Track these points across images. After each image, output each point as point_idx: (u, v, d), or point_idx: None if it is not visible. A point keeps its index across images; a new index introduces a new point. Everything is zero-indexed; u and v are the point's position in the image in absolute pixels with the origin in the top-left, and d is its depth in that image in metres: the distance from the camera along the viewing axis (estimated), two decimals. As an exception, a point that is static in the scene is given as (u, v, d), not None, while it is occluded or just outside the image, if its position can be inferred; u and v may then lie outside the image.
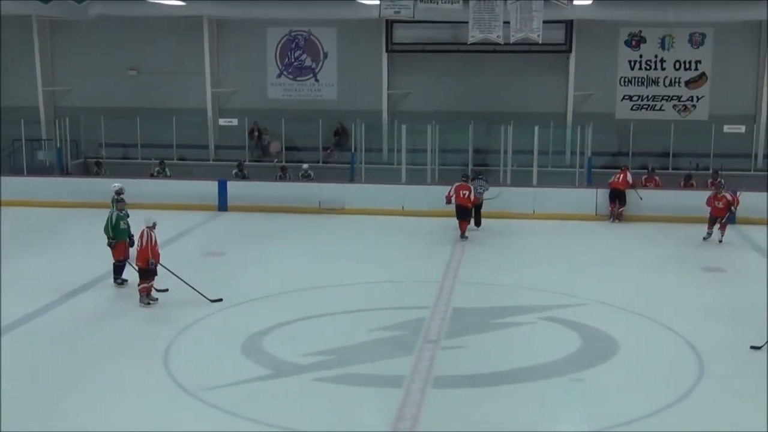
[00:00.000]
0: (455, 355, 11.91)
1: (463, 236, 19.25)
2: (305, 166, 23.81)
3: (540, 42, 19.31)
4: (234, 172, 23.83)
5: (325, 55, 26.81)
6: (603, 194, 21.81)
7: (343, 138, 26.14)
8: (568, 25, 24.73)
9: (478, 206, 20.15)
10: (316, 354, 11.81)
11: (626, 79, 25.71)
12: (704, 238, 19.08)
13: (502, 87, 25.72)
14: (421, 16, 19.53)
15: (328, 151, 26.13)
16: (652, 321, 13.36)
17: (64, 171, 25.69)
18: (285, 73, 27.01)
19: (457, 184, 19.50)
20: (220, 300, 14.06)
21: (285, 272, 16.31)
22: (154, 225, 13.87)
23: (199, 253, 17.21)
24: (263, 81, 27.02)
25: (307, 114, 26.02)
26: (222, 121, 26.59)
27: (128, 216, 15.14)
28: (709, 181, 22.37)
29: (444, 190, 21.53)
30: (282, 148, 25.95)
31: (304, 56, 26.94)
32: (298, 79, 27.02)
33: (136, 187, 23.03)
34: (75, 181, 24.57)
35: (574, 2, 19.91)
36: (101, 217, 20.36)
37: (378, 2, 19.62)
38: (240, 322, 13.23)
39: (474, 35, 18.98)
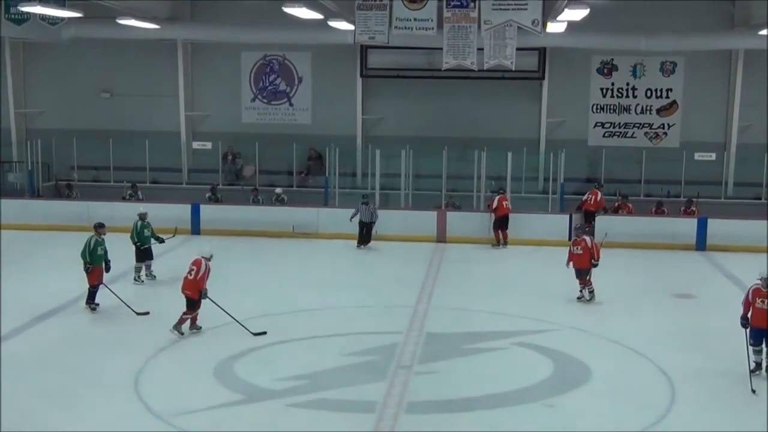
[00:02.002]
0: (428, 381, 11.88)
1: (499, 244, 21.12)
2: (278, 190, 23.77)
3: (513, 69, 19.46)
4: (207, 195, 23.73)
5: (300, 80, 26.85)
6: (576, 220, 21.89)
7: (317, 162, 26.14)
8: (541, 52, 24.95)
9: (369, 229, 20.89)
10: (288, 379, 11.75)
11: (598, 106, 25.94)
12: (578, 298, 16.17)
13: (475, 113, 25.86)
14: (395, 42, 19.65)
15: (303, 175, 26.11)
16: (624, 347, 13.41)
17: (35, 193, 25.47)
18: (259, 97, 27.01)
19: (499, 195, 21.35)
20: (264, 333, 13.80)
21: (258, 296, 16.22)
22: (211, 257, 13.80)
23: (171, 276, 17.05)
24: (237, 105, 27.00)
25: (281, 138, 25.98)
26: (196, 145, 26.51)
27: (104, 242, 15.28)
28: (682, 208, 22.59)
29: (418, 215, 21.71)
30: (256, 172, 25.89)
31: (278, 80, 26.97)
32: (273, 103, 27.03)
33: (108, 210, 22.88)
34: (46, 203, 24.35)
35: (547, 30, 20.08)
36: (72, 239, 20.16)
37: (353, 27, 19.72)
38: (212, 347, 13.15)
39: (448, 61, 19.09)
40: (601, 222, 21.76)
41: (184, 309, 13.58)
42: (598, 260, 15.93)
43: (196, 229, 22.13)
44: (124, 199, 24.09)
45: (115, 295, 15.00)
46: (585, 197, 22.35)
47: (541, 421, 10.62)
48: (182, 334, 13.49)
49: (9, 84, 26.77)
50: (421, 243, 21.58)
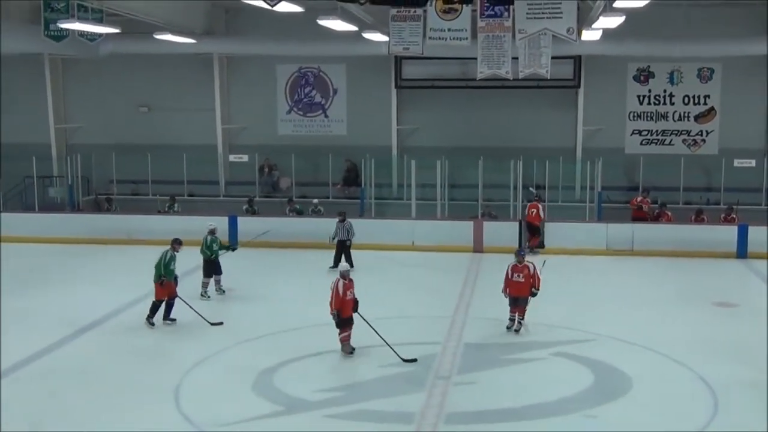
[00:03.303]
0: (467, 392, 11.84)
1: (532, 250, 20.64)
2: (315, 201, 23.84)
3: (549, 77, 19.33)
4: (244, 207, 23.87)
5: (335, 92, 26.96)
6: (614, 228, 21.82)
7: (352, 173, 26.19)
8: (577, 60, 24.82)
9: (347, 247, 19.80)
10: (327, 390, 11.78)
11: (635, 114, 25.75)
12: (508, 328, 14.60)
13: (510, 122, 25.78)
14: (429, 53, 19.61)
15: (338, 186, 26.17)
16: (665, 357, 13.27)
17: (75, 207, 25.79)
18: (295, 109, 27.15)
19: (529, 204, 21.63)
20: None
21: (295, 308, 16.27)
22: (343, 274, 13.47)
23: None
24: (273, 117, 27.16)
25: (316, 150, 26.10)
26: (232, 157, 26.69)
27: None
28: (722, 215, 22.33)
29: (455, 225, 21.72)
30: (292, 184, 26.00)
31: (313, 92, 27.10)
32: (308, 115, 27.15)
33: (146, 224, 23.25)
34: (86, 217, 24.68)
35: (582, 38, 19.97)
36: (112, 252, 20.48)
37: (387, 39, 19.75)
38: (250, 359, 13.20)
39: (483, 71, 19.01)
40: (641, 231, 21.65)
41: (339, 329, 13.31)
42: (538, 289, 14.42)
43: (233, 241, 22.24)
44: (161, 212, 24.32)
45: (191, 307, 15.06)
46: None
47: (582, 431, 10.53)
48: (353, 351, 13.27)
49: (49, 100, 27.16)
50: (458, 253, 21.53)
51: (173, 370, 12.57)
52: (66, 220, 24.26)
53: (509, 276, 14.49)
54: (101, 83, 27.31)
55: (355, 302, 13.27)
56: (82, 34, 20.86)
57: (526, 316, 14.60)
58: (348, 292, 13.12)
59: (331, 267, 19.22)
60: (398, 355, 12.86)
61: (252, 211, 23.80)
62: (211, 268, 17.20)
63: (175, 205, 24.36)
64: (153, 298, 15.08)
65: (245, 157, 26.24)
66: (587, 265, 20.60)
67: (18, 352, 13.32)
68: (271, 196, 26.08)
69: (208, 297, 16.92)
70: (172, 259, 15.20)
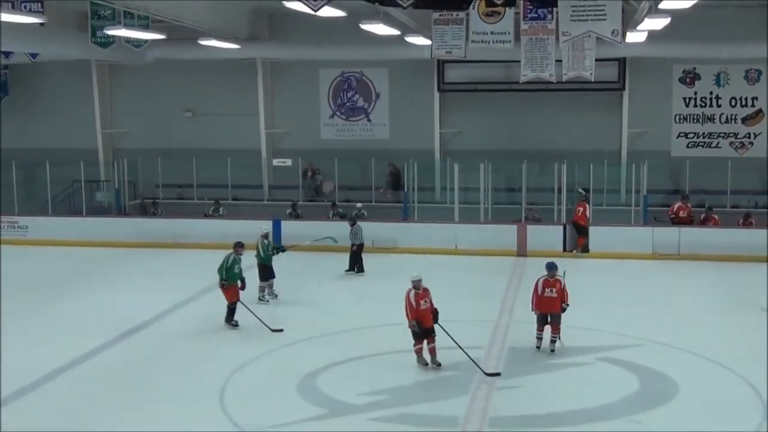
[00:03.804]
0: (511, 396, 11.80)
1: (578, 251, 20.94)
2: (359, 205, 23.87)
3: (593, 80, 19.18)
4: (288, 211, 24.01)
5: (377, 96, 27.00)
6: (660, 232, 21.60)
7: (395, 177, 26.21)
8: (621, 62, 24.59)
9: (358, 252, 20.12)
10: (371, 393, 11.79)
11: (681, 117, 25.43)
12: (538, 348, 13.73)
13: (554, 125, 25.62)
14: (472, 56, 19.53)
15: (381, 190, 26.20)
16: (712, 362, 13.09)
17: (121, 211, 26.12)
18: (338, 113, 27.25)
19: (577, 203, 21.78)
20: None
21: (338, 311, 16.35)
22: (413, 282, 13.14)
23: (254, 292, 17.27)
24: (316, 121, 27.28)
25: (359, 154, 26.17)
26: (276, 162, 26.85)
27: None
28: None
29: (498, 229, 21.67)
30: (335, 188, 26.09)
31: (356, 97, 27.17)
32: (351, 119, 27.23)
33: (191, 227, 23.50)
34: (132, 221, 25.00)
35: (627, 40, 19.80)
36: (158, 256, 20.74)
37: (429, 43, 19.74)
38: (294, 362, 13.28)
39: (526, 74, 18.90)
40: (688, 235, 21.38)
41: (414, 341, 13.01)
42: (567, 303, 13.61)
43: (277, 245, 22.36)
44: (206, 215, 24.56)
45: (252, 312, 15.15)
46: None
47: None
48: (437, 365, 12.81)
49: (96, 105, 27.57)
50: (501, 257, 21.45)
51: (218, 373, 12.68)
52: (113, 224, 24.61)
53: (539, 291, 13.53)
54: (147, 89, 27.64)
55: (435, 312, 12.84)
56: (128, 40, 21.09)
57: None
58: (422, 302, 12.76)
59: (346, 270, 20.02)
60: (481, 370, 12.47)
61: (295, 215, 23.92)
62: (267, 272, 17.30)
63: (221, 209, 24.59)
64: (226, 302, 15.23)
65: (289, 162, 26.39)
66: (633, 269, 20.39)
67: (66, 354, 13.52)
68: (314, 200, 26.20)
69: (267, 301, 16.99)
70: (236, 262, 15.25)
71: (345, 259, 20.20)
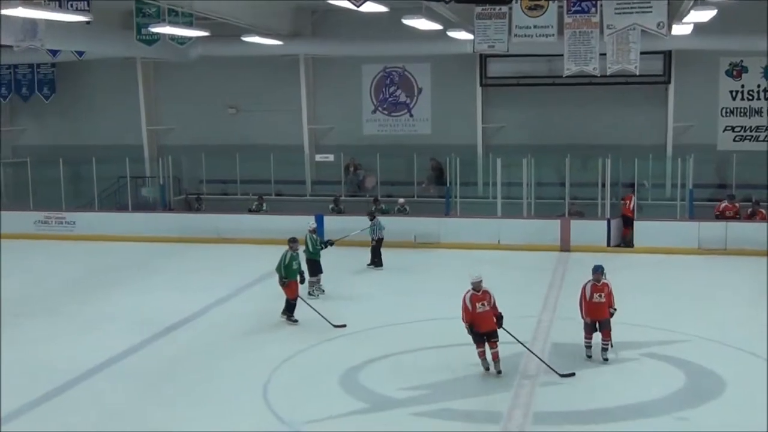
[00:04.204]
0: (555, 392, 11.72)
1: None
2: (401, 200, 23.88)
3: (638, 73, 18.97)
4: (330, 207, 24.08)
5: (420, 91, 26.95)
6: (706, 227, 21.33)
7: (437, 172, 26.16)
8: (667, 55, 24.29)
9: (377, 246, 20.26)
10: (413, 388, 11.80)
11: (728, 110, 25.04)
12: (589, 357, 13.00)
13: (598, 119, 25.37)
14: (515, 50, 19.45)
15: (423, 185, 26.16)
16: (760, 358, 12.89)
17: (166, 207, 26.39)
18: (380, 108, 27.25)
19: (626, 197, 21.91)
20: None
21: (380, 306, 16.36)
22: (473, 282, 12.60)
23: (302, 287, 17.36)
24: (359, 117, 27.31)
25: (401, 149, 26.13)
26: (318, 157, 26.93)
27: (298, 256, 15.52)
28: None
29: (541, 224, 21.55)
30: (377, 183, 26.11)
31: (398, 92, 27.15)
32: (393, 114, 27.22)
33: (235, 223, 23.70)
34: (177, 216, 25.26)
35: (673, 32, 19.54)
36: (203, 251, 20.95)
37: (472, 37, 19.68)
38: (337, 356, 13.32)
39: (569, 68, 18.77)
40: (734, 229, 21.07)
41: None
42: (615, 307, 12.99)
43: (324, 239, 22.45)
44: (250, 211, 24.73)
45: (313, 309, 15.18)
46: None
47: (672, 434, 10.32)
48: (498, 372, 12.29)
49: (141, 102, 27.87)
50: (545, 252, 21.33)
51: (262, 367, 12.77)
52: (158, 219, 24.89)
53: (587, 297, 12.81)
54: (191, 85, 27.87)
55: (498, 317, 12.31)
56: (172, 38, 21.28)
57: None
58: (479, 305, 12.23)
59: (368, 264, 20.21)
60: (555, 371, 12.25)
61: (338, 211, 23.98)
62: (316, 267, 17.38)
63: (264, 204, 24.74)
64: (288, 297, 15.27)
65: (331, 157, 26.45)
66: (679, 264, 20.16)
67: (114, 347, 13.71)
68: (357, 195, 26.23)
69: (317, 296, 17.00)
70: (293, 258, 15.27)
71: (385, 253, 20.25)
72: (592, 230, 21.90)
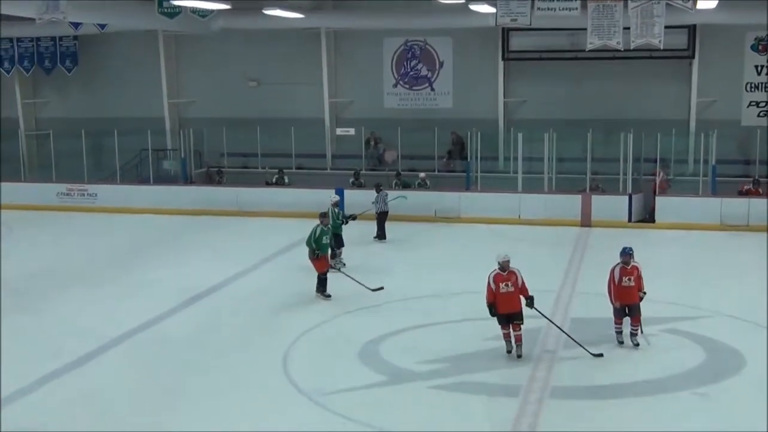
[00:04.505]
0: (574, 366, 11.73)
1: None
2: (422, 174, 23.86)
3: (662, 48, 18.80)
4: (351, 180, 24.09)
5: (441, 64, 26.81)
6: (728, 203, 21.20)
7: (458, 146, 26.08)
8: (691, 29, 24.01)
9: (382, 218, 20.28)
10: (431, 362, 11.84)
11: (753, 85, 24.76)
12: (620, 342, 12.52)
13: (621, 94, 25.16)
14: (537, 24, 19.32)
15: (444, 159, 26.11)
16: (781, 335, 12.83)
17: (187, 180, 26.50)
18: (401, 82, 27.15)
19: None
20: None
21: (400, 280, 16.38)
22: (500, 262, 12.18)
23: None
24: (379, 91, 27.22)
25: (422, 123, 26.06)
26: (339, 131, 26.90)
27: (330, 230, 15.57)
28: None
29: (562, 199, 21.44)
30: (398, 157, 26.07)
31: (420, 66, 27.02)
32: (414, 88, 27.11)
33: (256, 196, 23.78)
34: (198, 189, 25.37)
35: (698, 6, 19.32)
36: (223, 224, 21.04)
37: (494, 10, 19.55)
38: (356, 329, 13.39)
39: (592, 42, 18.63)
40: (757, 206, 20.94)
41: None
42: (644, 291, 12.47)
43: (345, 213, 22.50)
44: (268, 183, 24.78)
45: (350, 277, 15.30)
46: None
47: (691, 410, 10.30)
48: (518, 356, 11.94)
49: (163, 75, 27.90)
50: (565, 227, 21.28)
51: (282, 338, 12.85)
52: (179, 192, 25.02)
53: (617, 281, 12.31)
54: (212, 58, 27.86)
55: (528, 298, 11.98)
56: (194, 10, 21.31)
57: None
58: (502, 285, 11.86)
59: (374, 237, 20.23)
60: (587, 350, 12.04)
61: (358, 184, 24.00)
62: (338, 240, 17.41)
63: (285, 177, 24.78)
64: (316, 272, 15.21)
65: (352, 131, 26.42)
66: (700, 240, 20.07)
67: (134, 319, 13.84)
68: (377, 169, 26.20)
69: (338, 269, 16.82)
70: (323, 232, 15.18)
71: (402, 227, 20.40)
72: (613, 205, 21.83)
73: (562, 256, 18.34)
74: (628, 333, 12.47)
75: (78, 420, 10.09)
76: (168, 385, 11.23)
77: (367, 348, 12.46)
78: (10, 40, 28.24)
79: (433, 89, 26.93)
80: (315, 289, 15.20)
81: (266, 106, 27.29)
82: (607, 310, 13.09)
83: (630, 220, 21.72)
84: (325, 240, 15.24)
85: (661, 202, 21.66)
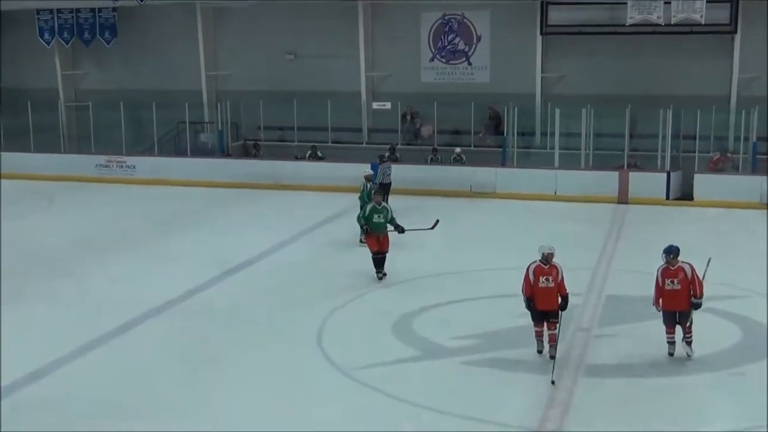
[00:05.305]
0: (607, 344, 11.69)
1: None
2: (457, 150, 23.78)
3: (703, 22, 18.53)
4: (386, 155, 24.04)
5: (479, 39, 26.60)
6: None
7: (495, 122, 25.91)
8: (734, 4, 23.54)
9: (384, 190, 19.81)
10: (464, 338, 11.86)
11: (796, 61, 24.31)
12: (671, 354, 11.10)
13: (661, 69, 24.79)
14: (577, -3, 19.14)
15: (481, 134, 25.97)
16: (820, 315, 12.67)
17: (224, 153, 26.63)
18: (438, 56, 26.98)
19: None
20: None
21: (434, 255, 16.38)
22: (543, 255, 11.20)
23: (352, 234, 17.45)
24: (416, 65, 27.09)
25: (459, 97, 25.90)
26: (375, 105, 26.84)
27: (387, 210, 15.08)
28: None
29: (599, 175, 21.24)
30: (434, 132, 25.98)
31: (457, 40, 26.82)
32: (451, 62, 26.94)
33: (293, 169, 23.90)
34: (235, 162, 25.52)
35: (742, -20, 19.00)
36: (260, 197, 21.15)
37: (533, -16, 19.37)
38: (390, 304, 13.43)
39: (633, 16, 18.46)
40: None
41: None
42: (700, 298, 10.91)
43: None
44: (296, 158, 24.85)
45: (408, 229, 15.08)
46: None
47: (726, 389, 10.23)
48: (551, 357, 10.89)
49: (200, 48, 27.96)
50: (602, 204, 21.12)
51: (317, 312, 12.93)
52: (216, 165, 25.19)
53: (661, 283, 10.93)
54: (250, 31, 27.86)
55: (563, 297, 10.97)
56: (232, -18, 21.35)
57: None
58: (542, 279, 10.91)
59: None
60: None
61: (394, 159, 23.97)
62: None
63: (318, 152, 24.81)
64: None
65: (388, 105, 26.34)
66: (739, 218, 19.82)
67: (169, 291, 13.98)
68: (413, 144, 26.15)
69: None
70: (374, 210, 14.90)
71: (438, 202, 20.36)
72: (651, 182, 21.63)
73: (599, 233, 18.22)
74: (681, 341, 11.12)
75: (117, 389, 10.25)
76: (204, 357, 11.35)
77: (401, 322, 12.51)
78: (50, 11, 28.50)
79: (470, 64, 26.74)
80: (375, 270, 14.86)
81: (303, 79, 27.28)
82: (642, 287, 12.95)
83: (668, 197, 21.52)
84: (376, 218, 14.82)
85: (700, 179, 21.41)
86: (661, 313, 11.05)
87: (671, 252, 10.91)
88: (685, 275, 10.81)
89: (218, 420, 9.48)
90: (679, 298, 10.82)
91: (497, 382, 10.48)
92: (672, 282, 10.80)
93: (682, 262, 10.89)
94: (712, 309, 12.94)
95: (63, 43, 29.05)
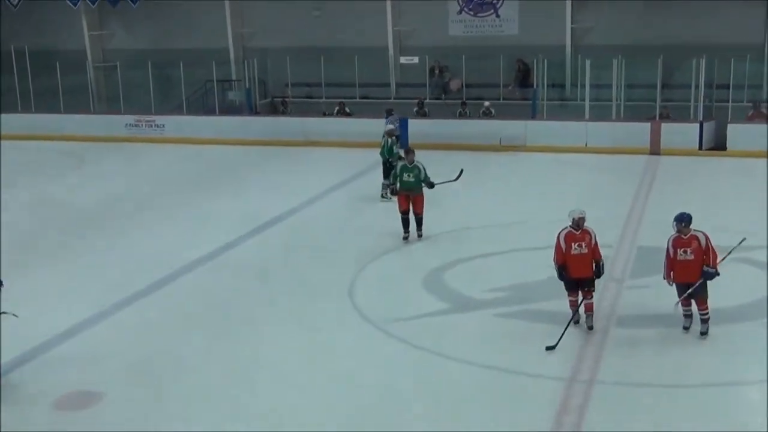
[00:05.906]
0: (640, 295, 11.64)
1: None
2: (486, 103, 23.61)
3: (736, -32, 18.11)
4: (415, 110, 23.95)
5: (507, -10, 26.26)
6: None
7: (524, 74, 25.64)
8: (770, -52, 23.09)
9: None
10: (496, 290, 11.87)
11: (835, 4, 23.74)
12: (685, 328, 10.39)
13: (693, 18, 24.32)
14: (607, -55, 18.78)
15: (510, 87, 25.72)
16: None
17: (252, 110, 26.62)
18: (465, 9, 26.66)
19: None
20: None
21: (464, 209, 16.33)
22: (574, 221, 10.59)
23: (380, 189, 17.42)
24: (444, 18, 26.78)
25: (487, 50, 25.60)
26: (403, 59, 26.66)
27: (419, 169, 14.39)
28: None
29: (631, 127, 20.99)
30: (462, 86, 25.76)
31: (485, -9, 26.51)
32: (479, 15, 26.61)
33: (321, 126, 23.85)
34: (263, 120, 25.52)
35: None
36: (288, 154, 21.16)
37: (562, -68, 19.03)
38: (421, 258, 13.47)
39: (664, -37, 18.03)
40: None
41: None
42: (715, 267, 10.07)
43: (404, 144, 22.39)
44: (324, 114, 24.81)
45: (436, 184, 14.67)
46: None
47: (759, 340, 10.15)
48: (589, 327, 10.52)
49: (227, 5, 27.82)
50: (633, 155, 20.92)
51: (348, 267, 12.98)
52: (244, 123, 25.21)
53: (672, 254, 10.18)
54: (277, -14, 27.66)
55: (597, 264, 10.36)
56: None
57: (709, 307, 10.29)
58: (575, 245, 10.27)
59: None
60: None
61: (422, 114, 23.85)
62: (390, 169, 17.28)
63: (346, 107, 24.72)
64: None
65: (416, 59, 26.15)
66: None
67: (201, 247, 14.09)
68: (441, 98, 25.98)
69: (389, 198, 16.29)
70: (404, 169, 14.38)
71: (468, 156, 20.25)
72: (683, 133, 21.37)
73: (630, 185, 18.07)
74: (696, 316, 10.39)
75: (150, 344, 10.38)
76: (237, 312, 11.45)
77: (431, 276, 12.53)
78: (77, -28, 28.47)
79: (498, 16, 26.41)
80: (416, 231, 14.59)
81: (330, 35, 27.07)
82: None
83: (701, 148, 21.27)
84: (406, 177, 14.34)
85: (733, 129, 21.11)
86: (675, 288, 10.28)
87: (683, 220, 10.14)
88: (699, 244, 10.06)
89: (251, 374, 9.57)
90: (692, 269, 10.06)
91: (529, 334, 10.48)
92: (684, 252, 10.06)
93: (695, 230, 10.15)
94: (746, 259, 12.84)
95: (89, 3, 28.98)
